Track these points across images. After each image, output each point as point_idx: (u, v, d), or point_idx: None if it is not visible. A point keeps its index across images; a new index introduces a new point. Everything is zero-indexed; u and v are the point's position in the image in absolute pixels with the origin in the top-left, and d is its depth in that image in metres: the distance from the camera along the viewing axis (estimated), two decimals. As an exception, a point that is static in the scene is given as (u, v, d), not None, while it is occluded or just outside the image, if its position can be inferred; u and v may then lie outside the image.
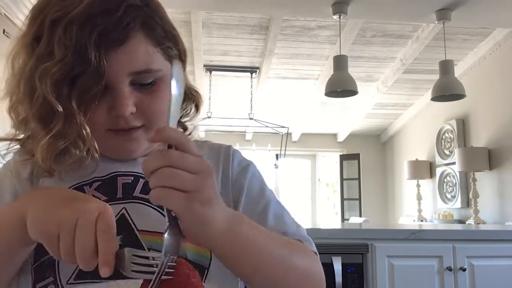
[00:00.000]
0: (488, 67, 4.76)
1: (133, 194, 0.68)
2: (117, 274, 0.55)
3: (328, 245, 2.04)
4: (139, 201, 0.67)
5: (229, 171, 0.76)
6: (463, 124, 5.24)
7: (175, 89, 0.53)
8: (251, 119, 5.32)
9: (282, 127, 5.44)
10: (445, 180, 5.55)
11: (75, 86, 0.61)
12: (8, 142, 0.70)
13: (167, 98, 0.64)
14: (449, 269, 2.09)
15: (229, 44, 4.61)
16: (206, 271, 0.65)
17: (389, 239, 2.14)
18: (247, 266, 0.60)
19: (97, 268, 0.54)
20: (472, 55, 4.87)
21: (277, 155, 6.70)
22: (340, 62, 3.62)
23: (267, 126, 5.39)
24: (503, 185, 4.56)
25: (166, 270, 0.51)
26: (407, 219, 5.98)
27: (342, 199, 7.14)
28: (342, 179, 7.21)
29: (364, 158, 7.16)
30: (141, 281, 0.53)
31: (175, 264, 0.52)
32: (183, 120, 0.79)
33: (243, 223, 0.60)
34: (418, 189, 5.81)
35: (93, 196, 0.66)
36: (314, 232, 2.19)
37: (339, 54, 3.74)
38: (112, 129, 0.66)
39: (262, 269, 0.60)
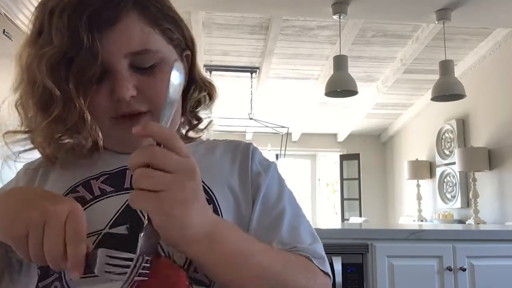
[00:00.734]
0: (488, 67, 4.76)
1: None
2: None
3: (328, 245, 2.02)
4: None
5: (248, 166, 0.72)
6: (463, 124, 5.24)
7: (170, 88, 0.52)
8: (251, 119, 5.32)
9: (282, 127, 5.44)
10: (445, 180, 5.55)
11: (71, 69, 0.60)
12: (23, 143, 0.70)
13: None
14: (449, 269, 2.09)
15: (229, 44, 4.61)
16: None
17: (389, 239, 2.14)
18: (226, 278, 0.56)
19: None
20: (472, 55, 4.87)
21: (277, 155, 6.70)
22: (340, 62, 3.63)
23: (267, 126, 5.39)
24: (503, 185, 4.56)
25: (140, 271, 0.49)
26: (407, 219, 5.98)
27: (342, 199, 7.14)
28: (342, 179, 7.21)
29: (364, 158, 7.16)
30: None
31: (149, 265, 0.50)
32: (197, 110, 0.78)
33: (229, 231, 0.57)
34: (418, 189, 5.81)
35: (99, 188, 0.65)
36: (314, 232, 2.19)
37: (339, 54, 3.74)
38: (116, 116, 0.64)
39: (245, 283, 0.57)
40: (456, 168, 4.91)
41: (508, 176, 4.49)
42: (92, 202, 0.63)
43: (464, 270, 2.10)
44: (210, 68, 5.10)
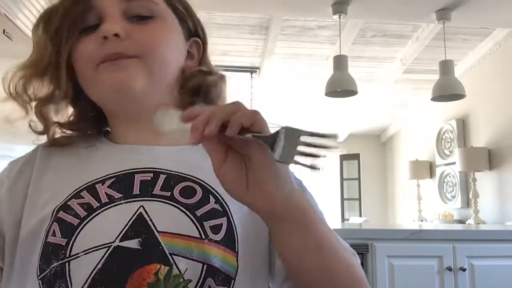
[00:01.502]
0: (488, 67, 4.76)
1: (153, 192, 0.59)
2: (125, 279, 0.53)
3: (328, 245, 2.03)
4: (159, 199, 0.59)
5: None
6: (463, 124, 5.24)
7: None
8: (251, 119, 5.31)
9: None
10: (445, 180, 5.55)
11: (65, 19, 0.61)
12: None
13: (166, 35, 0.64)
14: (449, 269, 2.09)
15: (229, 44, 4.61)
16: (233, 281, 0.57)
17: (389, 239, 2.14)
18: (306, 245, 0.53)
19: (110, 276, 0.53)
20: (472, 55, 4.86)
21: (277, 155, 6.69)
22: (340, 62, 3.62)
23: (267, 126, 5.39)
24: (503, 185, 4.56)
25: None
26: (407, 219, 5.98)
27: (342, 199, 7.14)
28: (342, 179, 7.21)
29: (364, 158, 7.15)
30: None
31: None
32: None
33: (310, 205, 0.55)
34: (418, 189, 5.81)
35: (106, 194, 0.59)
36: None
37: (339, 54, 3.74)
38: (100, 61, 0.61)
39: (321, 255, 0.54)
40: (456, 168, 4.91)
41: (508, 176, 4.49)
42: (99, 210, 0.57)
43: (464, 270, 2.10)
44: (210, 68, 5.09)
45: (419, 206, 5.78)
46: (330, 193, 7.93)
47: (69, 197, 0.60)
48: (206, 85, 0.71)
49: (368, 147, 7.25)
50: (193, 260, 0.55)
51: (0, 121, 0.66)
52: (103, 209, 0.58)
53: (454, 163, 5.09)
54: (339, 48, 3.87)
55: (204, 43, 0.74)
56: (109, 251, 0.54)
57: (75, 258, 0.54)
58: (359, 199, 6.99)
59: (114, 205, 0.58)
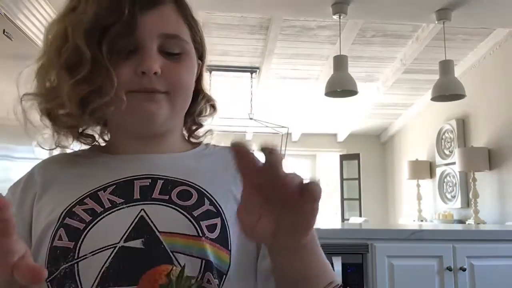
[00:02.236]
0: (488, 67, 4.76)
1: (152, 196, 0.65)
2: (131, 276, 0.56)
3: (328, 245, 2.04)
4: (158, 202, 0.64)
5: None
6: (463, 124, 5.24)
7: None
8: (251, 119, 5.32)
9: (282, 127, 5.44)
10: (445, 180, 5.55)
11: (106, 36, 0.62)
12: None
13: (191, 72, 0.70)
14: (449, 269, 2.09)
15: (229, 44, 4.61)
16: (224, 276, 0.62)
17: (389, 239, 2.14)
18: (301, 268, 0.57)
19: (117, 274, 0.56)
20: (472, 55, 4.87)
21: (277, 155, 6.69)
22: (340, 62, 3.62)
23: (267, 126, 5.39)
24: (503, 185, 4.56)
25: None
26: (407, 219, 5.98)
27: (342, 199, 7.14)
28: (342, 179, 7.21)
29: (364, 158, 7.15)
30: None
31: None
32: (199, 117, 0.81)
33: (317, 242, 0.60)
34: (418, 189, 5.81)
35: (108, 199, 0.64)
36: (314, 232, 2.19)
37: (339, 54, 3.74)
38: (135, 90, 0.65)
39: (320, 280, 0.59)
40: (456, 168, 4.91)
41: (508, 176, 4.49)
42: (103, 215, 0.62)
43: (464, 270, 2.10)
44: (210, 68, 5.09)
45: (419, 206, 5.78)
46: (330, 193, 7.92)
47: (73, 204, 0.64)
48: (204, 110, 0.82)
49: (368, 147, 7.25)
50: (192, 256, 0.60)
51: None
52: (106, 213, 0.62)
53: (454, 163, 5.09)
54: (339, 48, 3.87)
55: (204, 63, 0.80)
56: (115, 251, 0.59)
57: (83, 259, 0.59)
58: (359, 199, 6.99)
59: (117, 210, 0.63)
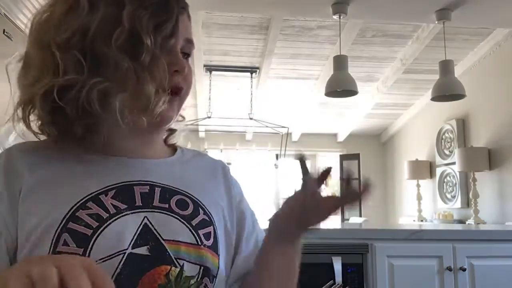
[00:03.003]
0: (488, 67, 4.76)
1: (153, 204, 0.67)
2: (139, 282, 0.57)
3: (328, 245, 2.04)
4: (159, 210, 0.67)
5: (232, 193, 0.80)
6: (463, 124, 5.24)
7: None
8: (251, 119, 5.32)
9: (282, 127, 5.44)
10: (445, 180, 5.55)
11: (157, 31, 0.65)
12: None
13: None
14: (449, 269, 2.09)
15: (229, 44, 4.61)
16: (214, 279, 0.68)
17: (389, 239, 2.14)
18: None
19: (128, 279, 0.58)
20: (472, 55, 4.87)
21: (277, 155, 6.70)
22: (340, 62, 3.62)
23: (267, 126, 5.39)
24: (503, 185, 4.56)
25: None
26: (407, 219, 5.98)
27: (342, 199, 7.13)
28: (342, 179, 7.20)
29: (364, 158, 7.15)
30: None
31: None
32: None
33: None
34: (418, 189, 5.81)
35: (112, 205, 0.64)
36: (314, 232, 2.19)
37: (339, 54, 3.73)
38: (166, 87, 0.68)
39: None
40: (456, 168, 4.91)
41: (508, 176, 4.49)
42: (110, 221, 0.63)
43: (464, 270, 2.10)
44: (210, 68, 5.09)
45: (419, 206, 5.78)
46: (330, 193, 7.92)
47: (75, 207, 0.63)
48: None
49: (368, 147, 7.25)
50: (192, 263, 0.64)
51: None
52: (112, 219, 0.63)
53: (454, 163, 5.09)
54: (339, 48, 3.87)
55: None
56: (124, 257, 0.60)
57: None
58: (359, 199, 6.98)
59: (122, 216, 0.64)
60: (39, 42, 0.66)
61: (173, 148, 0.82)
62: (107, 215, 0.63)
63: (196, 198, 0.72)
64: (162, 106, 0.65)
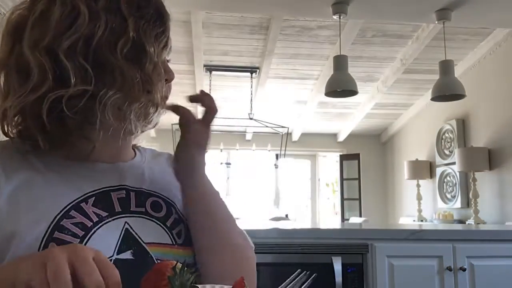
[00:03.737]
0: (488, 67, 4.76)
1: (131, 209, 0.70)
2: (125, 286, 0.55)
3: (328, 245, 2.04)
4: (137, 215, 0.70)
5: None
6: (463, 124, 5.24)
7: None
8: (251, 119, 5.32)
9: (282, 127, 5.44)
10: (445, 180, 5.55)
11: (157, 40, 0.69)
12: None
13: None
14: (449, 269, 2.09)
15: (229, 44, 4.61)
16: (195, 267, 0.71)
17: (389, 239, 2.14)
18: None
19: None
20: (472, 55, 4.87)
21: (277, 155, 6.70)
22: (340, 62, 3.62)
23: (267, 126, 5.39)
24: (503, 185, 4.56)
25: None
26: (407, 219, 5.98)
27: (342, 199, 7.14)
28: (342, 179, 7.21)
29: (364, 158, 7.15)
30: None
31: None
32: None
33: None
34: (418, 189, 5.81)
35: (94, 213, 0.66)
36: (314, 232, 2.19)
37: (339, 54, 3.73)
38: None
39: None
40: (456, 168, 4.91)
41: (508, 176, 4.49)
42: (94, 229, 0.64)
43: (464, 270, 2.10)
44: (210, 68, 5.09)
45: (419, 206, 5.78)
46: (330, 193, 7.93)
47: (58, 216, 0.63)
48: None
49: (368, 147, 7.25)
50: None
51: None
52: (96, 227, 0.65)
53: (454, 163, 5.09)
54: (339, 48, 3.87)
55: None
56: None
57: None
58: (359, 199, 6.99)
59: (104, 223, 0.66)
60: (33, 45, 0.63)
61: (133, 148, 0.83)
62: (91, 223, 0.64)
63: (167, 198, 0.75)
64: (163, 113, 0.70)
